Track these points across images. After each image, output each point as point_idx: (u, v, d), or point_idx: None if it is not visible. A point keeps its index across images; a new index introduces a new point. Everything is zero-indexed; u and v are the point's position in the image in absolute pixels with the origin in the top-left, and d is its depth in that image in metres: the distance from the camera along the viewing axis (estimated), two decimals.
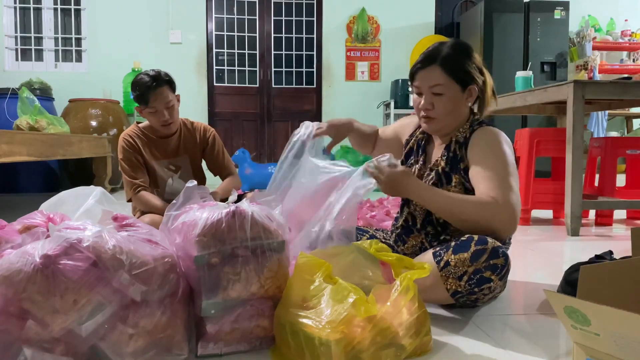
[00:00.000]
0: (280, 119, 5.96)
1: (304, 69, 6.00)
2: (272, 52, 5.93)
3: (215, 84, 5.79)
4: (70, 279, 0.91)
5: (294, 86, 5.99)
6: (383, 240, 1.57)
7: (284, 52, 5.96)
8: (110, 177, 4.59)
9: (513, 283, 1.61)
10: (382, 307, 1.01)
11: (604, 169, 2.91)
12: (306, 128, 1.56)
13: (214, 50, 5.78)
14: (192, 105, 5.43)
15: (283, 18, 5.93)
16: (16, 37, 5.51)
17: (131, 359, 0.96)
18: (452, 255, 1.22)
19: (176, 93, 2.11)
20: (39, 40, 5.57)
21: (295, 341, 0.99)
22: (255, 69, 5.92)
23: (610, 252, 1.45)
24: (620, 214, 3.14)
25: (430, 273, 1.13)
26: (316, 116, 5.95)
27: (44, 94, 4.77)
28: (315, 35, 5.94)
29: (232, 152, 4.71)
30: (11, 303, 0.91)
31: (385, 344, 0.99)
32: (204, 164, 2.31)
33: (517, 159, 2.82)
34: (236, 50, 5.86)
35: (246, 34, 5.88)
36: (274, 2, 5.88)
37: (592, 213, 3.14)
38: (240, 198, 1.65)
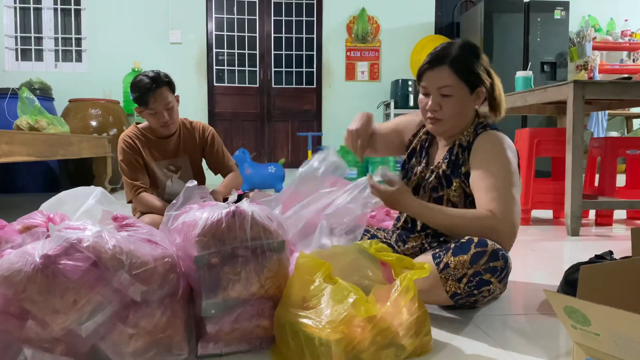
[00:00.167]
0: (280, 119, 5.95)
1: (304, 69, 6.00)
2: (272, 52, 5.93)
3: (215, 84, 5.79)
4: (70, 279, 0.91)
5: (294, 86, 5.98)
6: (384, 239, 1.57)
7: (284, 52, 5.96)
8: (110, 177, 4.59)
9: (513, 283, 1.61)
10: (382, 307, 1.01)
11: (604, 169, 2.91)
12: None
13: (214, 50, 5.78)
14: (192, 105, 5.44)
15: (283, 18, 5.93)
16: (16, 37, 5.51)
17: (131, 359, 0.97)
18: (452, 257, 1.21)
19: (176, 94, 2.11)
20: (39, 40, 5.57)
21: (295, 341, 0.99)
22: (255, 69, 5.92)
23: (610, 252, 1.45)
24: (620, 214, 3.14)
25: (430, 275, 1.12)
26: (316, 116, 5.95)
27: (44, 94, 4.77)
28: (315, 35, 5.94)
29: (232, 152, 4.69)
30: (11, 303, 0.91)
31: (385, 344, 0.99)
32: (204, 164, 2.31)
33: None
34: (236, 50, 5.86)
35: (246, 34, 5.88)
36: (274, 2, 5.88)
37: (592, 213, 3.14)
38: (240, 198, 1.65)
